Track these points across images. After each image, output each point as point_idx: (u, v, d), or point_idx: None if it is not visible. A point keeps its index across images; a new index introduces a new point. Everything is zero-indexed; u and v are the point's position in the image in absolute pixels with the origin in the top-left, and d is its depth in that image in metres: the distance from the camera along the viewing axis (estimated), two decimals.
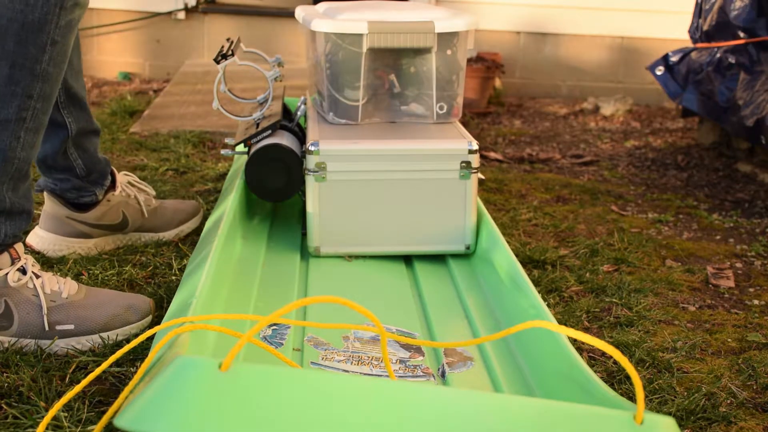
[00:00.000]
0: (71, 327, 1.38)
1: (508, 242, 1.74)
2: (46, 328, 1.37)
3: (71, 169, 1.75)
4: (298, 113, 2.06)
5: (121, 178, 1.87)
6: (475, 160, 1.76)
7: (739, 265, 2.02)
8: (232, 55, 1.89)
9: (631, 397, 1.33)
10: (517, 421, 0.76)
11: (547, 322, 0.97)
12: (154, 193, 1.93)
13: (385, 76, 1.92)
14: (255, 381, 0.69)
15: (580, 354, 1.45)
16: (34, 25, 1.26)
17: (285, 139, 1.84)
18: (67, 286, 1.42)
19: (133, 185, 1.89)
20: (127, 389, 1.05)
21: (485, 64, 3.73)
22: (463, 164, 1.75)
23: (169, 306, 1.41)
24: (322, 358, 1.36)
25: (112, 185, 1.83)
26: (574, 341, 1.44)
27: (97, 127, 1.78)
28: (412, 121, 1.93)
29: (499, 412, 0.76)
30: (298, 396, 0.70)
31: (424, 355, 1.39)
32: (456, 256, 1.81)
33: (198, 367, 0.69)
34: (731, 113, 2.66)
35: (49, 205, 1.77)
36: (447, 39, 1.87)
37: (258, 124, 1.92)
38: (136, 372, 1.27)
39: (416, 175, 1.76)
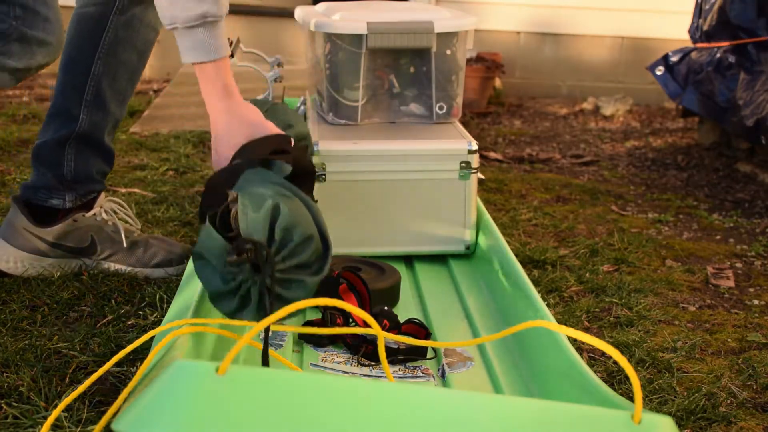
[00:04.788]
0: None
1: (508, 242, 1.74)
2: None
3: (58, 167, 1.65)
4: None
5: (105, 203, 1.73)
6: (474, 160, 1.76)
7: (739, 265, 2.02)
8: (231, 56, 1.88)
9: (632, 397, 1.33)
10: (515, 422, 0.76)
11: (547, 322, 0.97)
12: (139, 226, 1.79)
13: (385, 77, 1.92)
14: (253, 384, 0.69)
15: (580, 354, 1.45)
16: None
17: None
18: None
19: (117, 213, 1.74)
20: (126, 390, 1.05)
21: (485, 64, 3.73)
22: (463, 164, 1.75)
23: (169, 306, 1.41)
24: (322, 360, 1.36)
25: (86, 206, 1.70)
26: (573, 341, 1.44)
27: (108, 149, 1.70)
28: (412, 121, 1.93)
29: (497, 412, 0.76)
30: (296, 399, 0.70)
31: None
32: (456, 256, 1.81)
33: (195, 371, 0.69)
34: (731, 113, 2.66)
35: (11, 211, 1.66)
36: (446, 39, 1.87)
37: None
38: (136, 372, 1.27)
39: (416, 175, 1.76)
